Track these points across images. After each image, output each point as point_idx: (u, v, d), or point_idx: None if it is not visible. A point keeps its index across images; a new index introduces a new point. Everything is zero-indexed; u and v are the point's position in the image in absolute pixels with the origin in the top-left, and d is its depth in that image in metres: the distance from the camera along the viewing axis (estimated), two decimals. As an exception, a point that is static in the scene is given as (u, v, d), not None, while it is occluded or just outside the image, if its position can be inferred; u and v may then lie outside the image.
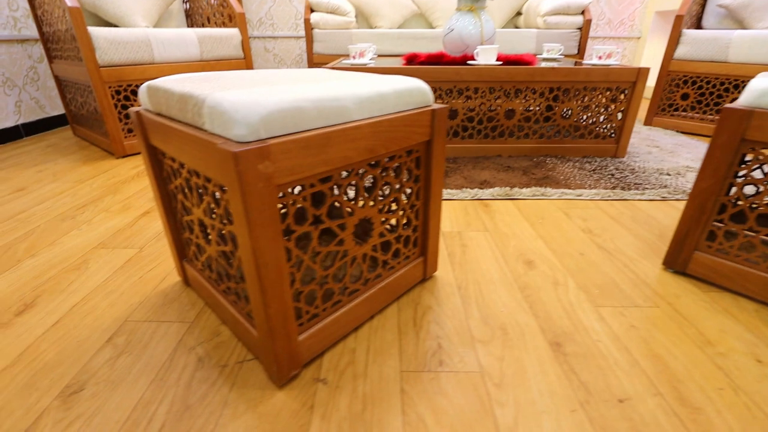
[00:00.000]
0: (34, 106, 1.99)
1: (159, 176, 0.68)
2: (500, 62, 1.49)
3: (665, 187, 1.28)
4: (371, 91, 0.55)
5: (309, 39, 2.37)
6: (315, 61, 2.43)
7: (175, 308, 0.74)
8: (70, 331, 0.68)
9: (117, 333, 0.68)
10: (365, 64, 1.49)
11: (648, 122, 2.11)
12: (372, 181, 0.58)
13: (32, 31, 2.00)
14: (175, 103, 0.51)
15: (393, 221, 0.66)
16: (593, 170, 1.42)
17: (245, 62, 1.88)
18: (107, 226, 1.05)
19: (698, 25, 2.15)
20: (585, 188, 1.26)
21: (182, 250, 0.76)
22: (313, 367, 0.60)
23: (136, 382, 0.58)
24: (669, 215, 1.11)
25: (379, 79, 0.60)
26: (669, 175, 1.39)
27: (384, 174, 0.62)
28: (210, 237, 0.61)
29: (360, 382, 0.58)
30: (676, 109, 2.05)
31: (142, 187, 1.31)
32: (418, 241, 0.76)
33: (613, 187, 1.27)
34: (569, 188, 1.26)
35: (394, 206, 0.67)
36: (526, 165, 1.47)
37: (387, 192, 0.63)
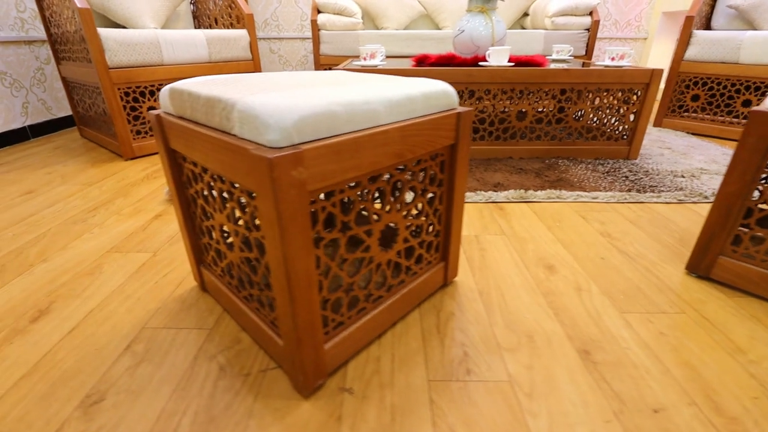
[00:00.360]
0: (41, 108, 1.99)
1: (178, 180, 0.67)
2: (512, 63, 1.47)
3: (681, 189, 1.26)
4: (400, 95, 0.54)
5: (316, 40, 2.36)
6: (321, 62, 2.42)
7: (193, 314, 0.72)
8: (88, 339, 0.67)
9: (135, 340, 0.66)
10: (376, 66, 1.48)
11: (658, 123, 2.09)
12: (398, 186, 0.57)
13: (39, 33, 1.99)
14: (201, 106, 0.50)
15: (416, 226, 0.65)
16: (607, 172, 1.41)
17: (253, 64, 1.87)
18: (119, 230, 1.03)
19: (708, 26, 2.14)
20: (600, 191, 1.24)
21: (199, 255, 0.75)
22: (338, 376, 0.59)
23: (158, 391, 0.57)
24: (687, 218, 1.10)
25: (406, 82, 0.59)
26: (683, 177, 1.37)
27: (410, 179, 0.60)
28: (232, 243, 0.60)
29: (387, 391, 0.57)
30: (686, 111, 2.04)
31: (152, 189, 1.29)
32: (440, 246, 0.75)
33: (629, 190, 1.25)
34: (584, 191, 1.24)
35: (416, 211, 0.66)
36: (539, 167, 1.45)
37: (412, 197, 0.61)
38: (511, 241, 0.97)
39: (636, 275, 0.84)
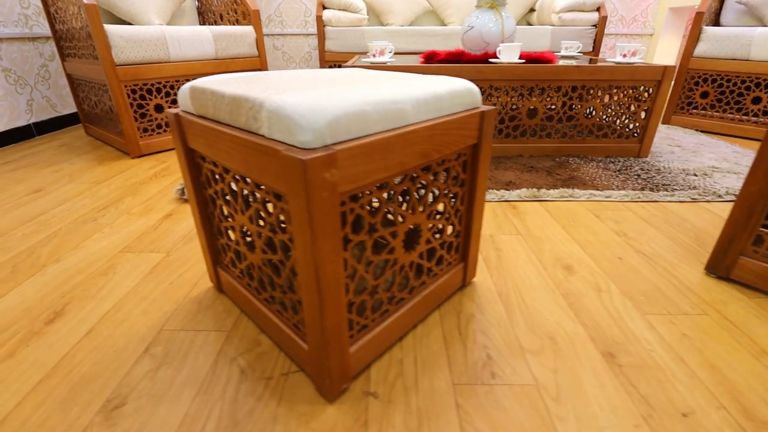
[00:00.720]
0: (45, 105, 1.97)
1: (196, 180, 0.66)
2: (523, 60, 1.46)
3: (694, 188, 1.25)
4: (427, 93, 0.53)
5: (321, 36, 2.34)
6: (327, 59, 2.40)
7: (210, 316, 0.71)
8: (105, 341, 0.66)
9: (153, 342, 0.65)
10: (385, 63, 1.46)
11: (666, 121, 2.08)
12: (422, 186, 0.56)
13: (43, 29, 1.97)
14: (226, 105, 0.49)
15: (438, 227, 0.64)
16: (618, 170, 1.40)
17: (259, 60, 1.85)
18: (130, 229, 1.02)
19: (716, 22, 2.12)
20: (613, 189, 1.23)
21: (216, 256, 0.74)
22: (362, 379, 0.58)
23: (180, 395, 0.56)
24: (702, 218, 1.09)
25: (432, 80, 0.58)
26: (696, 175, 1.36)
27: (434, 179, 0.59)
28: (253, 244, 0.59)
29: (412, 395, 0.56)
30: (695, 108, 2.02)
31: (161, 188, 1.28)
32: (460, 246, 0.74)
33: (642, 188, 1.24)
34: (597, 189, 1.23)
35: (438, 212, 0.65)
36: (550, 165, 1.44)
37: (435, 197, 0.60)
38: (527, 241, 0.96)
39: (655, 276, 0.83)
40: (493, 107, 0.64)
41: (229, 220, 0.63)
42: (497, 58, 1.48)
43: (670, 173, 1.38)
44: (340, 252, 0.46)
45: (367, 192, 0.49)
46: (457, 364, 0.61)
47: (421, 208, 0.59)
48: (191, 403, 0.55)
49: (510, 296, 0.77)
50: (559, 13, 2.31)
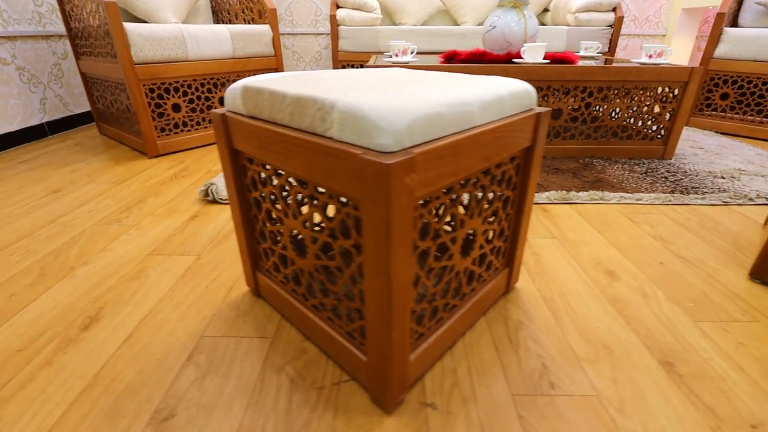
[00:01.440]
0: (58, 104, 1.95)
1: (239, 182, 0.64)
2: (548, 61, 1.44)
3: (724, 191, 1.23)
4: (492, 95, 0.51)
5: (335, 36, 2.32)
6: (340, 58, 2.38)
7: (251, 322, 0.69)
8: (145, 348, 0.64)
9: (196, 350, 0.63)
10: (407, 63, 1.44)
11: (685, 122, 2.06)
12: (481, 190, 0.54)
13: (56, 27, 1.95)
14: (287, 106, 0.47)
15: (492, 231, 0.62)
16: (644, 173, 1.38)
17: (276, 59, 1.83)
18: (156, 231, 1.00)
19: (734, 23, 2.10)
20: (642, 192, 1.22)
21: (255, 260, 0.72)
22: (417, 389, 0.56)
23: (231, 406, 0.54)
24: (735, 221, 1.07)
25: (491, 81, 0.56)
26: (723, 178, 1.34)
27: (492, 183, 0.57)
28: (305, 249, 0.57)
29: (471, 406, 0.54)
30: (714, 109, 2.01)
31: (183, 189, 1.26)
32: (506, 251, 0.72)
33: (671, 191, 1.22)
34: (626, 192, 1.21)
35: (492, 217, 0.63)
36: (575, 167, 1.42)
37: (490, 201, 0.58)
38: (563, 245, 0.94)
39: (698, 281, 0.81)
40: (548, 109, 0.62)
41: (277, 224, 0.61)
42: (521, 58, 1.46)
43: (697, 176, 1.36)
44: (410, 259, 0.44)
45: (435, 197, 0.47)
46: (512, 373, 0.59)
47: (477, 213, 0.57)
48: (244, 415, 0.53)
49: (555, 302, 0.75)
50: (575, 13, 2.29)
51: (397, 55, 1.45)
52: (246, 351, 0.63)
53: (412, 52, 1.48)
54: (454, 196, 0.50)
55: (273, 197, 0.59)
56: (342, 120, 0.41)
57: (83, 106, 2.12)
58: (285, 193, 0.55)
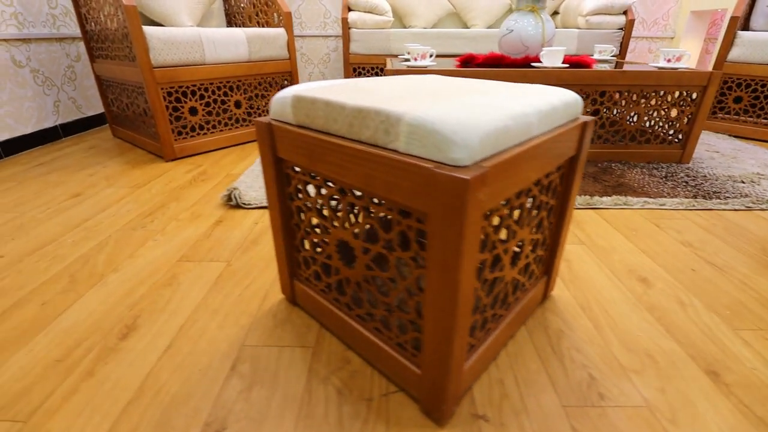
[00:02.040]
0: (71, 107, 1.94)
1: (281, 190, 0.63)
2: (567, 65, 1.44)
3: (746, 196, 1.23)
4: (547, 105, 0.50)
5: (346, 38, 2.32)
6: (351, 61, 2.37)
7: (290, 331, 0.69)
8: (187, 358, 0.64)
9: (239, 360, 0.63)
10: (426, 67, 1.44)
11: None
12: (531, 200, 0.54)
13: (70, 29, 1.95)
14: (345, 117, 0.47)
15: (537, 241, 0.62)
16: (664, 177, 1.38)
17: (290, 63, 1.83)
18: (183, 237, 1.00)
19: (746, 26, 2.11)
20: (665, 197, 1.21)
21: (293, 268, 0.71)
22: (467, 401, 0.56)
23: (282, 418, 0.53)
24: (761, 227, 1.07)
25: (541, 90, 0.56)
26: (743, 182, 1.34)
27: (540, 192, 0.57)
28: (354, 259, 0.56)
29: (523, 418, 0.54)
30: (728, 113, 2.01)
31: (203, 193, 1.26)
32: (545, 260, 0.71)
33: (694, 196, 1.22)
34: (649, 197, 1.21)
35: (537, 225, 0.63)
36: (594, 171, 1.42)
37: (537, 211, 0.58)
38: (594, 252, 0.94)
39: (733, 288, 0.81)
40: (593, 118, 0.62)
41: (322, 233, 0.61)
42: (539, 62, 1.46)
43: (716, 180, 1.36)
44: (474, 272, 0.43)
45: (495, 209, 0.46)
46: (560, 384, 0.59)
47: (527, 222, 0.56)
48: (295, 427, 0.52)
49: (593, 310, 0.74)
50: (586, 17, 2.29)
51: (416, 59, 1.45)
52: (289, 361, 0.63)
53: (431, 56, 1.48)
54: (509, 208, 0.50)
55: (320, 206, 0.59)
56: (410, 133, 0.41)
57: (96, 108, 2.11)
58: (334, 203, 0.55)
